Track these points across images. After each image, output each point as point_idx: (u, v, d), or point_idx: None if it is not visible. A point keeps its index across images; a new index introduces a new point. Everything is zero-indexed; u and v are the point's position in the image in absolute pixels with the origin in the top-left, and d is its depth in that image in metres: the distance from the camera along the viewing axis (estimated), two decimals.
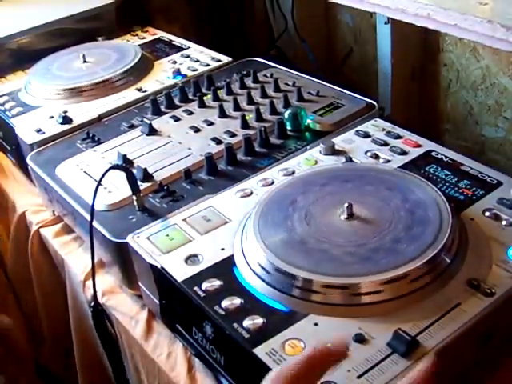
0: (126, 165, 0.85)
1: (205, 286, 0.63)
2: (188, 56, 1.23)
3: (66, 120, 1.02)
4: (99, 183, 0.75)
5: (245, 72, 1.10)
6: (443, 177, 0.75)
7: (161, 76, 1.15)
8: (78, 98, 1.09)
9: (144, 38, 1.35)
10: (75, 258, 0.91)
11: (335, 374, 0.52)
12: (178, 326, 0.70)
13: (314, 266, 0.60)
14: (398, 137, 0.84)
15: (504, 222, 0.66)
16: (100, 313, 0.81)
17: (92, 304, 0.81)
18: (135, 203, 0.80)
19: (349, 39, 1.43)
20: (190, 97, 1.05)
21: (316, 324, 0.57)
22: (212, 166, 0.85)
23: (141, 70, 1.16)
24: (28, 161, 0.96)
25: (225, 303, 0.61)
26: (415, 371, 0.47)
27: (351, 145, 0.84)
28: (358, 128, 0.87)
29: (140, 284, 0.76)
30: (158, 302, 0.72)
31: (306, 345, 0.55)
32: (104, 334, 0.83)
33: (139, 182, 0.81)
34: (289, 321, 0.58)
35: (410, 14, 0.87)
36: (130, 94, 1.10)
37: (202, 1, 1.63)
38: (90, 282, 0.84)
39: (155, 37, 1.35)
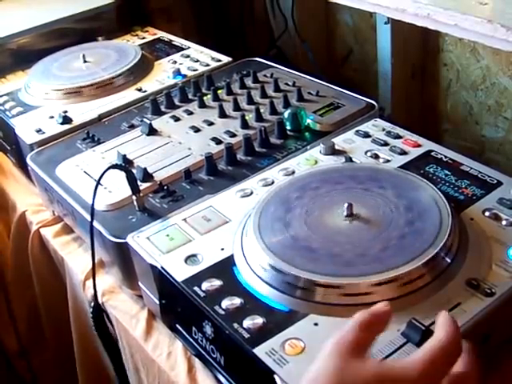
0: (125, 165, 0.85)
1: (205, 285, 0.63)
2: (188, 56, 1.23)
3: (66, 120, 1.02)
4: (98, 182, 0.75)
5: (245, 72, 1.10)
6: (443, 177, 0.75)
7: (161, 76, 1.15)
8: (78, 97, 1.09)
9: (144, 37, 1.35)
10: (75, 258, 0.91)
11: None
12: (177, 325, 0.70)
13: (314, 266, 0.60)
14: (398, 137, 0.84)
15: (504, 222, 0.66)
16: (100, 313, 0.81)
17: (92, 304, 0.81)
18: (135, 203, 0.80)
19: (349, 39, 1.43)
20: (190, 97, 1.05)
21: (316, 324, 0.57)
22: (212, 165, 0.85)
23: (141, 70, 1.16)
24: (28, 161, 0.96)
25: (225, 303, 0.61)
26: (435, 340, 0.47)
27: (351, 145, 0.84)
28: (358, 128, 0.87)
29: (140, 284, 0.76)
30: (157, 302, 0.72)
31: (306, 345, 0.55)
32: (104, 334, 0.83)
33: (139, 182, 0.81)
34: (289, 321, 0.58)
35: (410, 13, 0.86)
36: (130, 94, 1.10)
37: (202, 1, 1.63)
38: (90, 282, 0.84)
39: (155, 37, 1.35)
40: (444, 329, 0.48)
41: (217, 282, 0.63)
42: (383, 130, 0.86)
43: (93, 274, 0.79)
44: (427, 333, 0.53)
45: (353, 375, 0.45)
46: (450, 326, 0.49)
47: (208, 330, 0.62)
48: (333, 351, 0.47)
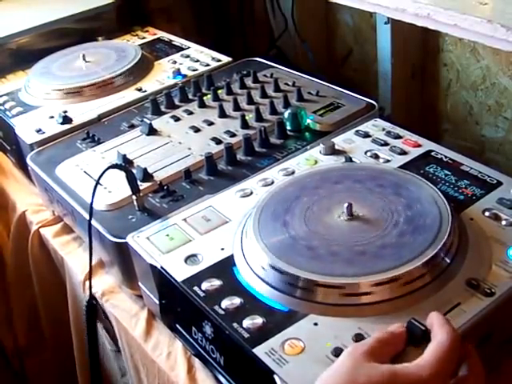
0: (125, 164, 0.85)
1: (205, 285, 0.63)
2: (188, 56, 1.23)
3: (66, 120, 1.02)
4: (98, 182, 0.75)
5: (245, 72, 1.10)
6: (443, 177, 0.75)
7: (161, 76, 1.15)
8: (78, 97, 1.09)
9: (144, 37, 1.35)
10: (75, 258, 0.91)
11: None
12: (177, 325, 0.70)
13: (313, 266, 0.60)
14: (398, 137, 0.84)
15: (504, 222, 0.66)
16: (93, 307, 0.81)
17: (87, 299, 0.81)
18: (135, 203, 0.80)
19: (349, 39, 1.43)
20: (190, 97, 1.05)
21: (316, 324, 0.57)
22: (212, 165, 0.85)
23: (141, 70, 1.16)
24: (28, 161, 0.96)
25: (224, 303, 0.61)
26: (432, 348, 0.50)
27: (351, 145, 0.84)
28: (358, 128, 0.87)
29: (140, 284, 0.76)
30: (157, 302, 0.72)
31: (306, 345, 0.55)
32: (91, 329, 0.82)
33: (139, 182, 0.81)
34: (288, 321, 0.58)
35: (409, 13, 0.87)
36: (129, 94, 1.10)
37: (202, 1, 1.63)
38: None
39: (155, 37, 1.35)
40: (443, 330, 0.51)
41: (217, 282, 0.63)
42: (383, 129, 0.86)
43: (90, 271, 0.79)
44: (427, 333, 0.53)
45: (366, 376, 0.48)
46: (447, 326, 0.51)
47: (208, 329, 0.62)
48: (349, 354, 0.50)
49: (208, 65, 1.17)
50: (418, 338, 0.53)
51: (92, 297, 0.82)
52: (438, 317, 0.53)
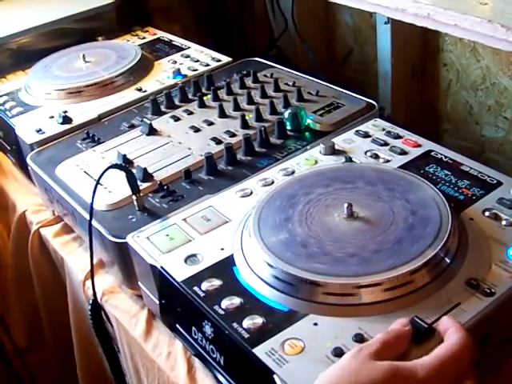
0: (125, 164, 0.85)
1: (204, 285, 0.63)
2: (188, 56, 1.23)
3: (66, 120, 1.02)
4: (98, 182, 0.75)
5: (245, 72, 1.10)
6: (443, 177, 0.75)
7: (161, 76, 1.15)
8: (78, 98, 1.09)
9: (144, 37, 1.35)
10: (75, 258, 0.91)
11: None
12: (177, 325, 0.70)
13: (313, 266, 0.60)
14: (398, 137, 0.84)
15: (504, 222, 0.66)
16: (98, 310, 0.81)
17: (90, 301, 0.81)
18: (135, 203, 0.80)
19: (349, 39, 1.43)
20: (190, 97, 1.05)
21: (316, 324, 0.57)
22: (212, 165, 0.85)
23: (141, 70, 1.16)
24: (28, 161, 0.96)
25: (224, 303, 0.61)
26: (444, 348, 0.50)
27: (351, 145, 0.84)
28: (358, 128, 0.87)
29: (140, 284, 0.76)
30: (157, 302, 0.72)
31: (306, 345, 0.55)
32: (101, 332, 0.82)
33: (139, 182, 0.81)
34: (288, 320, 0.58)
35: (409, 13, 0.87)
36: (129, 94, 1.10)
37: (202, 1, 1.63)
38: (90, 282, 0.84)
39: (155, 37, 1.35)
40: (457, 334, 0.51)
41: (216, 282, 0.63)
42: (383, 129, 0.86)
43: (91, 271, 0.79)
44: (429, 331, 0.53)
45: (367, 371, 0.48)
46: (463, 332, 0.51)
47: (208, 329, 0.62)
48: (353, 355, 0.51)
49: (208, 65, 1.17)
50: (421, 335, 0.53)
51: (95, 301, 0.81)
52: (453, 322, 0.53)
